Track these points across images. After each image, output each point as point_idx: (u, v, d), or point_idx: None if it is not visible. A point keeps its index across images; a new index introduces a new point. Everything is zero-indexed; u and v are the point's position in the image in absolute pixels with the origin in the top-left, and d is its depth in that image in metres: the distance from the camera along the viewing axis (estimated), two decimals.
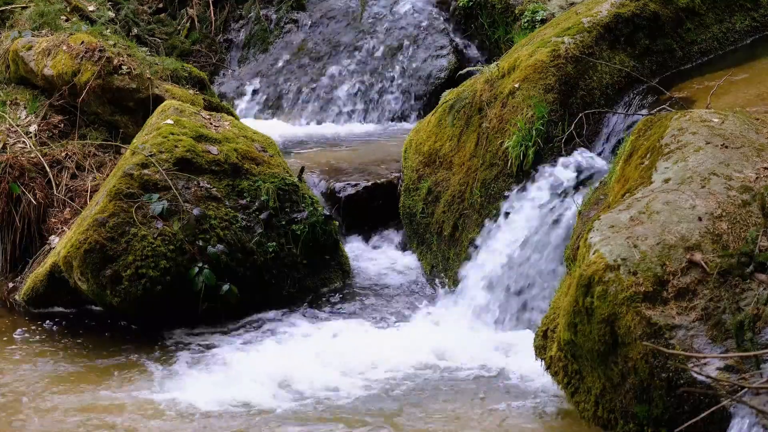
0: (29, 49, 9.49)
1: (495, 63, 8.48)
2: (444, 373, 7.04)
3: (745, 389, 5.31)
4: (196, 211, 7.81)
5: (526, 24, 10.17)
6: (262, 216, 8.06)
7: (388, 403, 6.66)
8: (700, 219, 5.92)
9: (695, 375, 5.46)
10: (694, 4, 8.57)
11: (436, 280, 8.28)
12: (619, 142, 7.49)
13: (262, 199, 8.11)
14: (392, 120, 10.95)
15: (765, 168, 6.20)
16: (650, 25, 8.33)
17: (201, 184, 8.00)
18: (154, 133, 8.17)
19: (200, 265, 7.69)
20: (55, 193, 8.71)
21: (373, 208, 8.94)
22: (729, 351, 5.49)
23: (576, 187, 7.56)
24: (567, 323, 6.02)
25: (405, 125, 10.72)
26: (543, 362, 6.54)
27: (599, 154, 7.72)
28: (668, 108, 7.48)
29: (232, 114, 9.43)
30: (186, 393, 6.76)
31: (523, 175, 7.80)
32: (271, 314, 7.92)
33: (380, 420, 6.42)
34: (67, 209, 8.63)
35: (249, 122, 10.21)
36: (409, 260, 8.64)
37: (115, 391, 6.87)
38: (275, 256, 8.07)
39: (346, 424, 6.38)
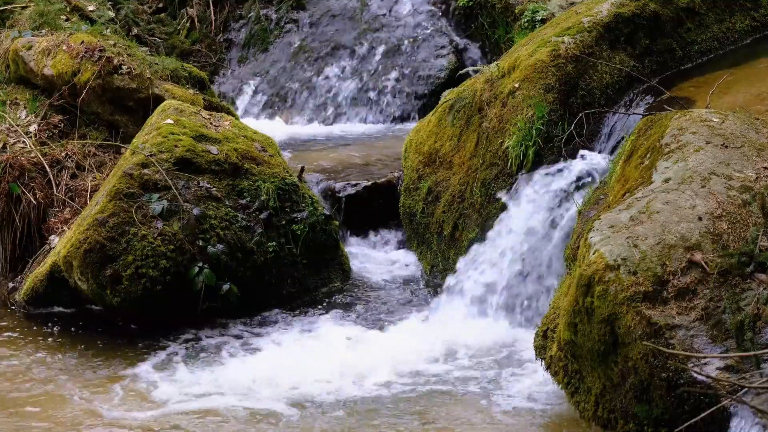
0: (29, 48, 9.48)
1: (495, 63, 8.48)
2: (443, 371, 7.03)
3: (745, 389, 5.31)
4: (196, 211, 7.80)
5: (526, 24, 10.15)
6: (262, 216, 8.06)
7: (387, 408, 6.66)
8: (700, 219, 5.92)
9: (695, 375, 5.46)
10: (694, 3, 8.57)
11: (436, 280, 8.27)
12: (619, 142, 7.49)
13: (262, 198, 8.10)
14: (392, 120, 10.93)
15: (765, 168, 6.20)
16: (650, 25, 8.32)
17: (201, 184, 8.00)
18: (154, 132, 8.17)
19: (200, 264, 7.69)
20: (55, 192, 8.70)
21: (373, 208, 8.94)
22: (729, 351, 5.49)
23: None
24: (567, 323, 6.02)
25: (405, 125, 10.70)
26: (543, 362, 6.54)
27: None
28: (668, 108, 7.48)
29: (232, 114, 9.41)
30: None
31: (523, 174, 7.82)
32: (271, 314, 7.93)
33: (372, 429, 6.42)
34: (67, 209, 8.63)
35: (249, 122, 10.19)
36: (409, 260, 8.64)
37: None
38: (275, 256, 8.06)
39: None
